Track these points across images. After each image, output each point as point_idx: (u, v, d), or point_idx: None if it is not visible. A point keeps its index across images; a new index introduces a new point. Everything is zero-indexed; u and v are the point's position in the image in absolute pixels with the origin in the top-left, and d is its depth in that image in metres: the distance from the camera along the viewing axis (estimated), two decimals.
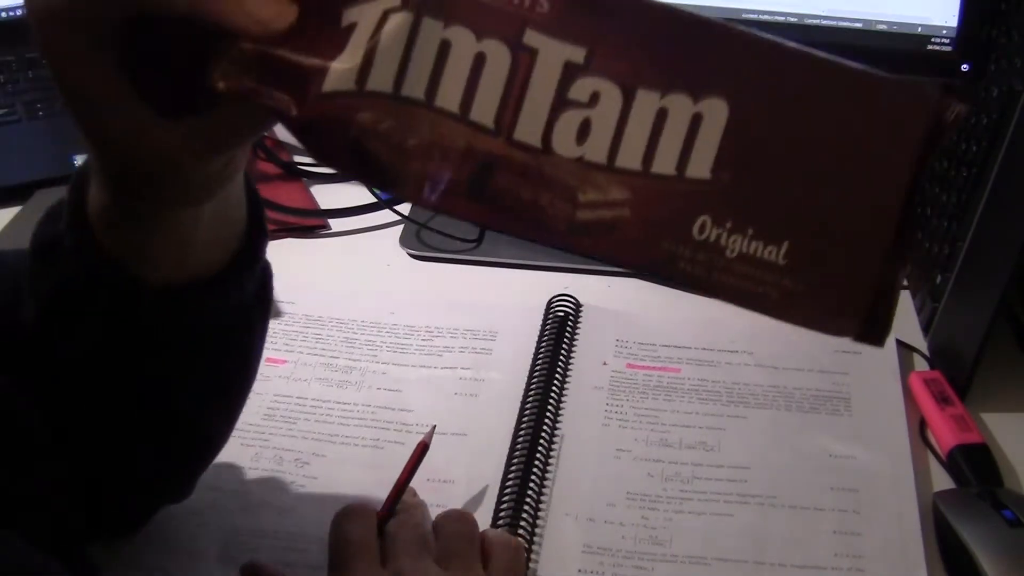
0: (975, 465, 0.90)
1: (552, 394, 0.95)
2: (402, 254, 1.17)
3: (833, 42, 1.08)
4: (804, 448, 0.92)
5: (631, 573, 0.82)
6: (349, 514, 0.77)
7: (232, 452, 0.89)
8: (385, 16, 0.45)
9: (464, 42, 0.45)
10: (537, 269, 1.14)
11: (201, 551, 0.83)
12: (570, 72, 0.45)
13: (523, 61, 0.45)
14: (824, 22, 1.08)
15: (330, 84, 0.45)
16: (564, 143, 0.45)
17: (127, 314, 0.62)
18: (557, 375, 0.97)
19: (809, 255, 0.44)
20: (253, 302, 0.69)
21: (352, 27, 0.45)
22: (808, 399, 0.97)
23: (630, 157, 0.45)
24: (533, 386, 0.96)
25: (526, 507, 0.85)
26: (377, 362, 1.01)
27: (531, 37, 0.45)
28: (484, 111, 0.45)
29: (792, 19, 1.09)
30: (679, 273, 0.45)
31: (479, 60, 0.45)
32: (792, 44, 0.44)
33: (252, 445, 0.91)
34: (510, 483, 0.87)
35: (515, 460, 0.89)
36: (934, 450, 0.93)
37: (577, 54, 0.44)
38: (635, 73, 0.44)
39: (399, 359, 1.02)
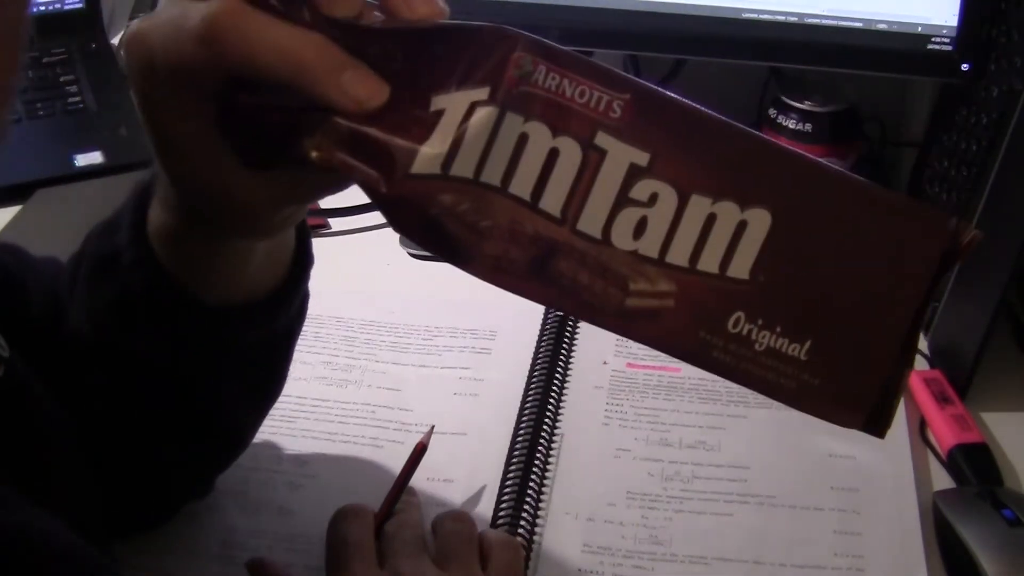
0: (975, 464, 0.90)
1: (552, 394, 0.95)
2: (402, 253, 1.17)
3: (833, 41, 1.08)
4: (804, 448, 0.92)
5: (631, 573, 0.82)
6: (346, 514, 0.78)
7: None
8: (473, 107, 0.49)
9: (541, 137, 0.49)
10: None
11: (200, 551, 0.83)
12: (633, 173, 0.48)
13: (592, 159, 0.48)
14: (824, 21, 1.08)
15: (418, 167, 0.49)
16: (622, 236, 0.49)
17: (182, 329, 0.65)
18: (557, 375, 0.97)
19: (827, 354, 0.48)
20: (295, 320, 0.72)
21: (440, 113, 0.49)
22: None
23: (679, 254, 0.48)
24: (533, 386, 0.96)
25: (526, 507, 0.85)
26: (377, 361, 1.01)
27: (602, 139, 0.48)
28: (553, 201, 0.49)
29: (792, 18, 1.09)
30: (711, 361, 0.49)
31: (552, 155, 0.49)
32: (832, 167, 0.49)
33: (251, 445, 0.91)
34: (510, 483, 0.87)
35: (515, 459, 0.89)
36: (934, 450, 0.93)
37: (641, 158, 0.48)
38: (691, 179, 0.48)
39: (399, 358, 1.02)
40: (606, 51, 1.17)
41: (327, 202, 1.23)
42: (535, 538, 0.83)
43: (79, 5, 1.40)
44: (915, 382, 0.97)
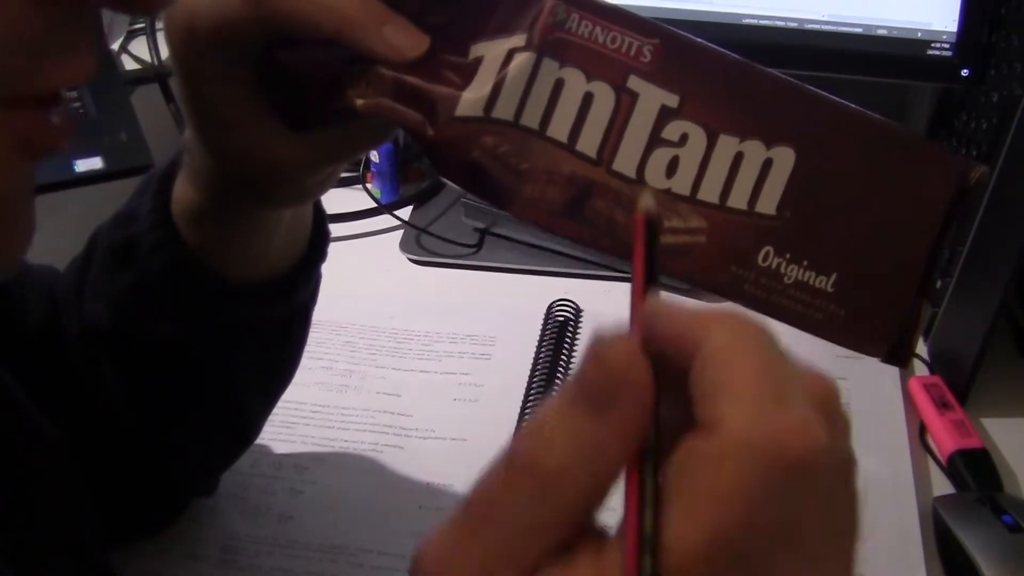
0: (975, 470, 0.90)
1: None
2: (402, 259, 1.17)
3: (833, 47, 1.08)
4: None
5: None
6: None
7: None
8: (511, 54, 0.51)
9: (576, 82, 0.51)
10: (537, 274, 1.14)
11: (201, 556, 0.84)
12: (664, 115, 0.51)
13: (625, 102, 0.51)
14: (825, 27, 1.08)
15: (462, 110, 0.51)
16: (655, 175, 0.51)
17: (204, 309, 0.66)
18: (557, 380, 0.97)
19: (852, 286, 0.51)
20: (309, 300, 0.73)
21: (479, 60, 0.52)
22: None
23: (710, 192, 0.51)
24: (533, 391, 0.96)
25: None
26: (376, 367, 1.01)
27: (634, 82, 0.51)
28: (589, 143, 0.51)
29: (792, 24, 1.09)
30: (743, 294, 0.51)
31: (587, 99, 0.51)
32: (850, 104, 0.50)
33: (250, 451, 0.91)
34: None
35: None
36: (934, 455, 0.93)
37: (672, 100, 0.51)
38: (719, 119, 0.50)
39: (398, 364, 1.02)
40: None
41: (328, 207, 1.23)
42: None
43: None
44: (915, 387, 0.97)
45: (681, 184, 0.51)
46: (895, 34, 1.08)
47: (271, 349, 0.73)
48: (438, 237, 1.18)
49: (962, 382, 0.96)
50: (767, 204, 0.50)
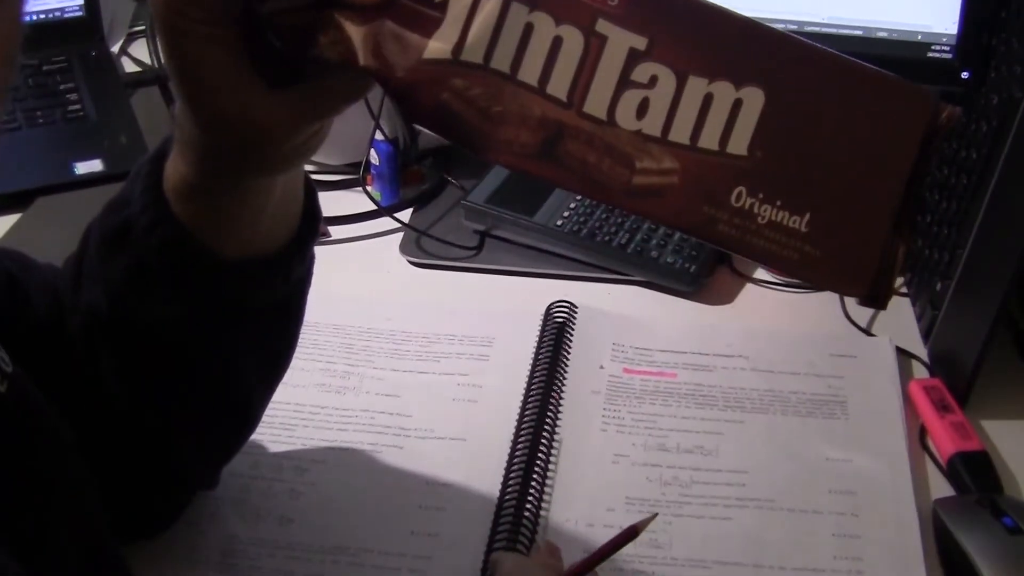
0: (975, 472, 0.90)
1: (551, 400, 0.95)
2: (402, 261, 1.17)
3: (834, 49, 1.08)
4: (801, 452, 0.92)
5: None
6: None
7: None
8: None
9: (545, 26, 0.52)
10: (536, 276, 1.14)
11: (201, 560, 0.83)
12: (633, 57, 0.51)
13: (594, 46, 0.52)
14: (825, 30, 1.08)
15: (430, 53, 0.52)
16: (626, 117, 0.52)
17: (201, 287, 0.67)
18: (556, 381, 0.97)
19: (827, 226, 0.51)
20: (304, 279, 0.74)
21: (445, 2, 0.52)
22: (804, 403, 0.97)
23: (681, 132, 0.51)
24: (533, 391, 0.96)
25: (527, 513, 0.85)
26: (375, 368, 1.01)
27: (602, 26, 0.51)
28: (559, 86, 0.52)
29: (792, 26, 1.09)
30: (717, 234, 0.52)
31: (557, 42, 0.52)
32: (818, 45, 0.51)
33: (251, 453, 0.91)
34: (511, 489, 0.87)
35: (515, 466, 0.89)
36: (934, 457, 0.93)
37: (640, 43, 0.51)
38: (687, 61, 0.51)
39: (397, 365, 1.02)
40: None
41: (328, 210, 1.23)
42: (536, 544, 0.83)
43: (79, 13, 1.40)
44: (915, 390, 0.97)
45: (651, 125, 0.52)
46: (895, 36, 1.08)
47: (268, 330, 0.74)
48: (438, 239, 1.18)
49: (962, 384, 0.96)
50: (738, 144, 0.51)
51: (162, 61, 1.31)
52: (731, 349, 1.03)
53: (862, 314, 1.08)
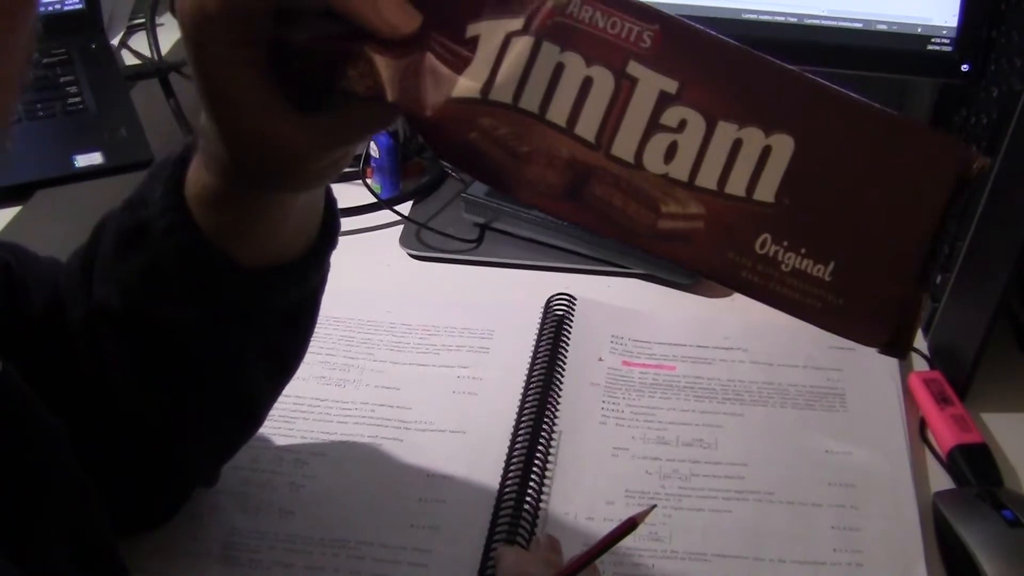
0: (975, 465, 0.90)
1: (551, 393, 0.95)
2: (402, 254, 1.17)
3: (833, 42, 1.08)
4: (800, 444, 0.92)
5: (631, 570, 0.82)
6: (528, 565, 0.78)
7: None
8: (509, 37, 0.52)
9: (576, 66, 0.51)
10: (536, 269, 1.14)
11: (202, 552, 0.83)
12: (663, 101, 0.51)
13: (624, 88, 0.51)
14: (824, 22, 1.08)
15: (459, 91, 0.52)
16: (653, 161, 0.51)
17: (216, 292, 0.67)
18: (556, 374, 0.97)
19: (850, 275, 0.51)
20: (319, 287, 0.74)
21: (476, 39, 0.52)
22: (803, 395, 0.97)
23: (708, 178, 0.51)
24: (532, 384, 0.96)
25: (526, 506, 0.85)
26: (375, 360, 1.01)
27: (633, 68, 0.51)
28: (587, 127, 0.52)
29: (792, 19, 1.09)
30: (741, 281, 0.52)
31: (587, 83, 0.51)
32: (850, 93, 0.51)
33: (251, 446, 0.91)
34: (511, 482, 0.87)
35: (515, 458, 0.89)
36: (934, 450, 0.93)
37: (671, 86, 0.51)
38: (718, 106, 0.51)
39: (397, 357, 1.02)
40: None
41: None
42: (536, 537, 0.83)
43: (79, 5, 1.40)
44: (915, 382, 0.97)
45: (679, 170, 0.51)
46: (895, 29, 1.08)
47: (280, 335, 0.74)
48: (438, 232, 1.18)
49: (962, 377, 0.96)
50: (765, 192, 0.51)
51: (164, 58, 1.31)
52: (730, 342, 1.03)
53: None
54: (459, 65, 0.52)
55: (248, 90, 0.55)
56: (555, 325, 1.03)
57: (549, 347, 1.00)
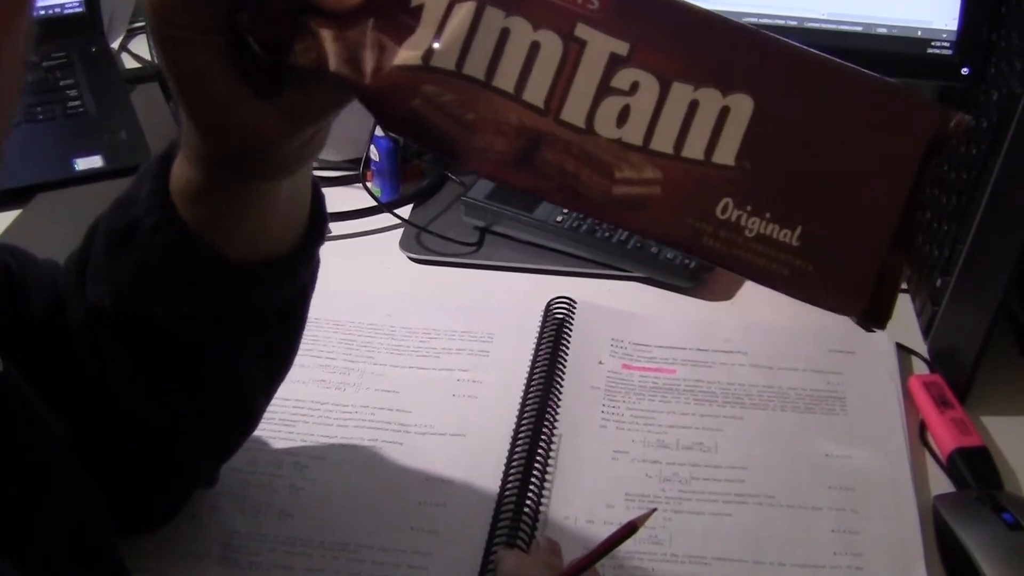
0: (975, 468, 0.90)
1: (551, 396, 0.95)
2: (402, 257, 1.17)
3: (833, 46, 1.08)
4: (800, 448, 0.92)
5: (631, 573, 0.82)
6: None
7: None
8: (453, 3, 0.51)
9: (522, 31, 0.50)
10: (536, 273, 1.14)
11: (201, 554, 0.83)
12: (614, 63, 0.50)
13: (573, 51, 0.50)
14: (824, 25, 1.08)
15: (401, 59, 0.51)
16: (605, 125, 0.50)
17: (206, 289, 0.67)
18: (556, 377, 0.97)
19: (819, 240, 0.49)
20: (309, 282, 0.74)
21: (420, 8, 0.51)
22: (803, 399, 0.97)
23: (663, 141, 0.50)
24: (532, 388, 0.96)
25: (526, 509, 0.85)
26: (375, 364, 1.01)
27: (582, 30, 0.50)
28: (536, 93, 0.50)
29: (792, 22, 1.09)
30: (703, 248, 0.50)
31: (534, 48, 0.50)
32: (813, 51, 0.49)
33: (251, 448, 0.91)
34: (511, 485, 0.87)
35: (515, 462, 0.89)
36: (934, 453, 0.93)
37: (621, 47, 0.50)
38: (671, 67, 0.49)
39: (397, 361, 1.02)
40: None
41: (328, 206, 1.23)
42: (535, 540, 0.83)
43: (79, 8, 1.40)
44: (915, 386, 0.97)
45: (633, 133, 0.50)
46: (895, 32, 1.08)
47: (272, 331, 0.74)
48: (438, 235, 1.18)
49: (962, 380, 0.96)
50: (725, 154, 0.49)
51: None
52: (730, 345, 1.03)
53: None
54: (403, 34, 0.51)
55: (212, 79, 0.56)
56: (555, 328, 1.03)
57: (549, 350, 1.00)
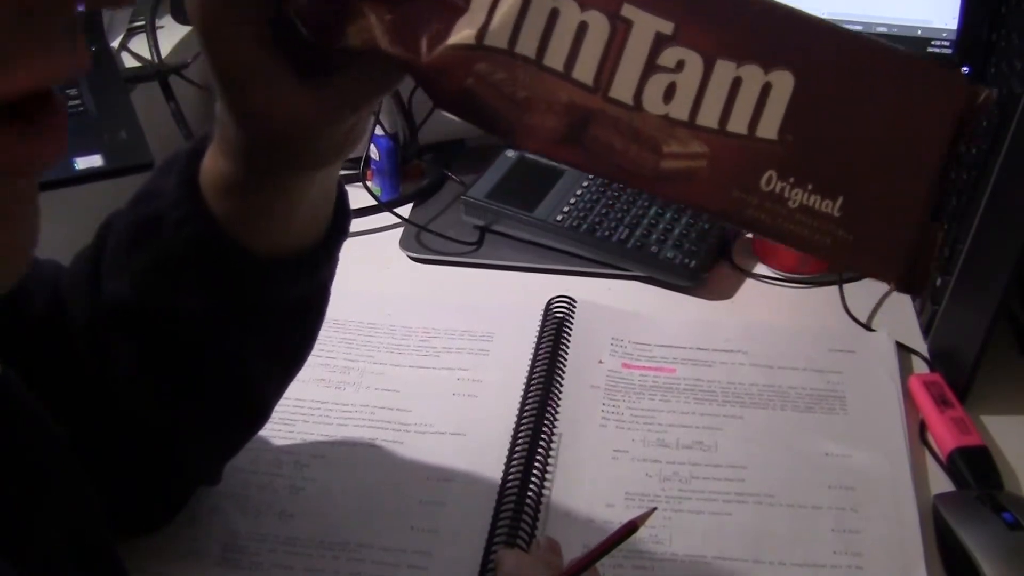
0: (975, 468, 0.90)
1: (551, 395, 0.95)
2: (402, 257, 1.17)
3: None
4: (800, 447, 0.92)
5: (631, 572, 0.82)
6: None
7: None
8: None
9: (570, 11, 0.51)
10: (536, 272, 1.14)
11: (202, 555, 0.83)
12: (660, 42, 0.51)
13: (620, 30, 0.51)
14: None
15: (455, 38, 0.52)
16: (652, 102, 0.51)
17: (229, 283, 0.67)
18: (556, 376, 0.97)
19: (860, 210, 0.51)
20: (329, 276, 0.75)
21: None
22: (803, 398, 0.97)
23: (709, 117, 0.51)
24: (532, 387, 0.96)
25: (526, 508, 0.85)
26: (375, 363, 1.01)
27: (628, 10, 0.51)
28: (585, 71, 0.52)
29: None
30: (748, 219, 0.52)
31: (582, 27, 0.51)
32: (851, 30, 0.50)
33: (251, 448, 0.91)
34: (511, 484, 0.87)
35: (515, 461, 0.89)
36: (934, 452, 0.93)
37: (666, 27, 0.51)
38: (715, 45, 0.51)
39: (397, 360, 1.02)
40: None
41: None
42: (536, 539, 0.83)
43: (78, 8, 1.40)
44: (915, 385, 0.97)
45: (679, 109, 0.51)
46: (895, 32, 1.08)
47: (290, 328, 0.74)
48: (438, 235, 1.18)
49: (962, 380, 0.96)
50: (768, 128, 0.51)
51: (164, 61, 1.31)
52: (730, 344, 1.03)
53: (862, 309, 1.08)
54: (455, 13, 0.52)
55: (256, 67, 0.56)
56: (555, 327, 1.03)
57: (549, 349, 1.00)
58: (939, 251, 0.52)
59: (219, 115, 0.61)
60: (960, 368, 0.96)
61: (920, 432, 0.95)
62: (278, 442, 0.92)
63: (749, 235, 1.17)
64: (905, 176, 0.51)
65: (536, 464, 0.88)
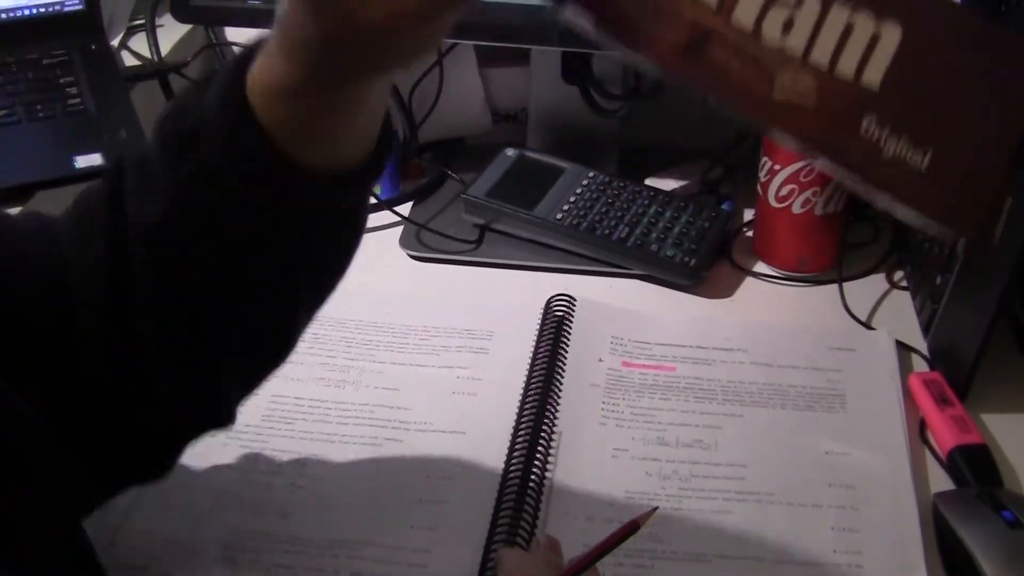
0: (975, 466, 0.89)
1: (551, 394, 0.95)
2: (402, 255, 1.17)
3: None
4: (800, 445, 0.92)
5: (631, 571, 0.82)
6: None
7: (231, 454, 0.90)
8: None
9: None
10: (536, 270, 1.14)
11: (201, 553, 0.83)
12: None
13: None
14: None
15: None
16: (771, 32, 0.53)
17: (275, 194, 0.65)
18: (556, 375, 0.97)
19: (945, 166, 0.53)
20: (367, 198, 0.74)
21: None
22: (803, 397, 0.97)
23: (820, 56, 0.53)
24: (532, 385, 0.96)
25: (526, 507, 0.85)
26: (375, 362, 1.01)
27: None
28: None
29: None
30: (846, 157, 0.54)
31: None
32: (959, 3, 0.53)
33: (251, 447, 0.91)
34: (511, 483, 0.87)
35: (515, 459, 0.89)
36: (934, 451, 0.93)
37: None
38: None
39: (396, 358, 1.02)
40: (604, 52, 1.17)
41: None
42: (536, 538, 0.83)
43: (79, 6, 1.40)
44: (915, 383, 0.97)
45: (794, 44, 0.53)
46: None
47: (330, 245, 0.73)
48: (438, 233, 1.18)
49: (962, 378, 0.96)
50: (872, 77, 0.52)
51: (164, 59, 1.31)
52: (730, 343, 1.03)
53: (862, 308, 1.08)
54: None
55: None
56: (555, 326, 1.03)
57: (549, 348, 1.00)
58: (1004, 212, 0.54)
59: (287, 19, 0.59)
60: (960, 366, 0.96)
61: (920, 430, 0.95)
62: (278, 441, 0.93)
63: (749, 233, 1.18)
64: (989, 140, 0.53)
65: (536, 463, 0.88)
